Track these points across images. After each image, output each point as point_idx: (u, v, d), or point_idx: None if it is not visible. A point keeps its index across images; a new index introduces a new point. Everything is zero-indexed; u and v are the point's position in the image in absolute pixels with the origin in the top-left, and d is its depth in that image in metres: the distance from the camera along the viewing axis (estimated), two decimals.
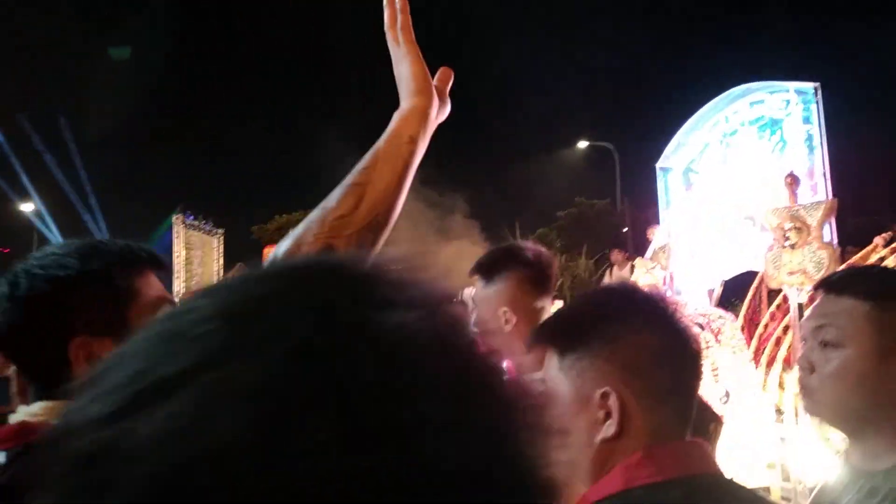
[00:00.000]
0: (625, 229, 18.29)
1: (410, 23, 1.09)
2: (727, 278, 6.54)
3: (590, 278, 14.51)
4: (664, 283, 6.28)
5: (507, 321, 1.85)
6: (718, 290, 6.56)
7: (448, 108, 1.14)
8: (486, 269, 1.94)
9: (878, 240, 5.51)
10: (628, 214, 18.53)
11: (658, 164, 7.32)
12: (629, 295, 1.08)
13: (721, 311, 5.36)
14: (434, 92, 1.09)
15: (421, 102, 1.07)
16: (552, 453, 0.36)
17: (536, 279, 1.89)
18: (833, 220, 5.29)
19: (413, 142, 1.04)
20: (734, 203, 6.33)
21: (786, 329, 5.20)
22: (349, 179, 1.02)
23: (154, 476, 0.28)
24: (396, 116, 1.07)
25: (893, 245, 5.21)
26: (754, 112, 6.21)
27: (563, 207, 22.01)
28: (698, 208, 6.82)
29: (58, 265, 1.00)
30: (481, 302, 1.93)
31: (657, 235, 7.09)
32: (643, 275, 5.95)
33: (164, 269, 1.12)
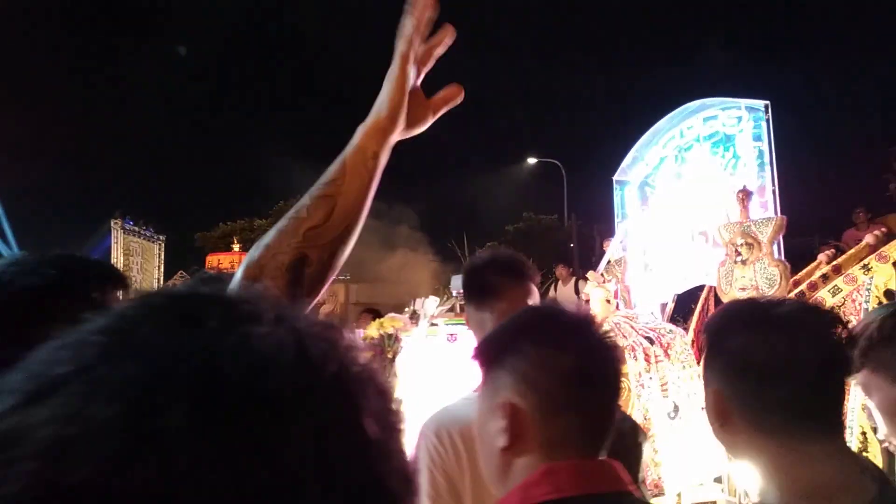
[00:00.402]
0: (571, 245, 18.50)
1: (409, 51, 1.09)
2: (680, 293, 6.63)
3: None
4: (617, 297, 6.30)
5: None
6: (671, 305, 6.63)
7: (429, 124, 1.15)
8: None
9: (821, 257, 5.60)
10: (575, 230, 18.77)
11: (615, 178, 7.40)
12: (546, 313, 1.13)
13: (671, 326, 5.39)
14: (402, 123, 1.10)
15: (387, 125, 1.08)
16: (406, 458, 0.41)
17: (471, 292, 1.86)
18: (781, 238, 5.40)
19: (376, 158, 1.07)
20: (688, 218, 6.42)
21: None
22: (318, 191, 1.03)
23: (36, 456, 0.31)
24: (361, 130, 1.08)
25: (834, 263, 5.30)
26: (708, 128, 6.32)
27: (512, 222, 22.23)
28: (653, 222, 6.91)
29: (35, 273, 0.99)
30: None
31: (611, 248, 7.14)
32: (594, 288, 5.93)
33: (128, 289, 1.13)
